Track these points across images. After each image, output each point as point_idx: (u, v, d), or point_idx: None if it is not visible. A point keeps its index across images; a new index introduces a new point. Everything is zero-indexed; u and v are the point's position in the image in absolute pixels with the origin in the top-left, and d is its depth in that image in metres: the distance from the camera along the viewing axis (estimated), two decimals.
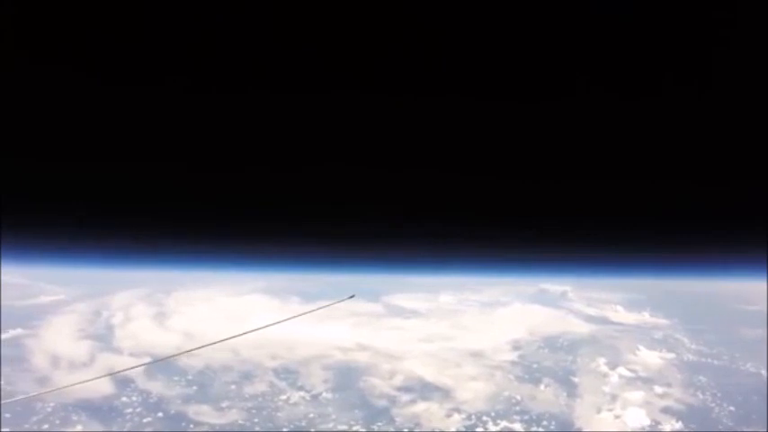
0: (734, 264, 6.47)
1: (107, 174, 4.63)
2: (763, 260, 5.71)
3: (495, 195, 4.87)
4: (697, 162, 4.32)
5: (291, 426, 38.51)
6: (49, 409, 36.36)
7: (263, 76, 3.69)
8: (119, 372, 37.60)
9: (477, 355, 46.07)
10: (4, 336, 40.25)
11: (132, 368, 36.84)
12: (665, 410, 40.12)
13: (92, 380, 34.73)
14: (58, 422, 35.85)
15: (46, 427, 35.22)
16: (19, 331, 41.36)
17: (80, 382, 36.10)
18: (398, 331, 49.36)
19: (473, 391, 42.23)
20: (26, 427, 34.94)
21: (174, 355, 38.55)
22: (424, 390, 42.25)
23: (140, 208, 5.32)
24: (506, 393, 42.11)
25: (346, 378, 43.16)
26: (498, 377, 43.83)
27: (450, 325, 50.37)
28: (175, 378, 41.09)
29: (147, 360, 41.48)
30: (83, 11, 3.20)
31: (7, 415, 34.65)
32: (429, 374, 43.74)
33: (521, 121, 4.03)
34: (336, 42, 3.42)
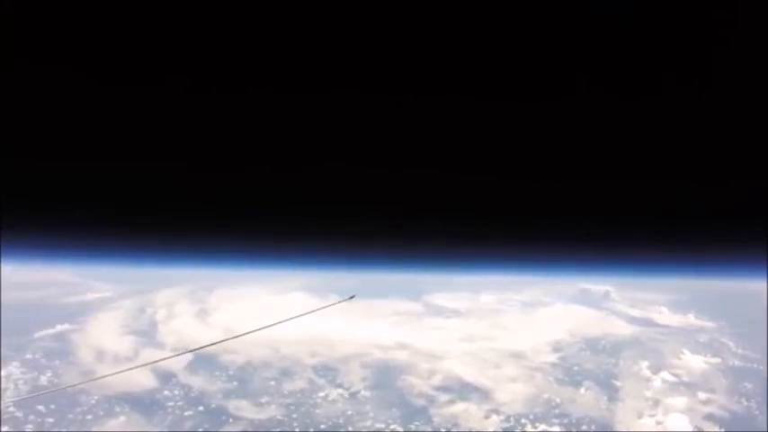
0: (734, 264, 6.45)
1: (107, 174, 4.67)
2: (763, 260, 5.70)
3: (495, 195, 4.87)
4: (697, 162, 4.32)
5: (329, 423, 38.69)
6: (93, 401, 37.27)
7: (263, 76, 3.71)
8: (120, 372, 38.09)
9: (517, 355, 45.47)
10: (51, 331, 41.31)
11: (133, 368, 37.35)
12: (708, 417, 39.11)
13: (95, 379, 35.28)
14: (101, 413, 36.71)
15: (89, 417, 36.15)
16: (66, 326, 42.28)
17: (81, 382, 36.77)
18: (438, 330, 48.94)
19: (512, 392, 41.76)
20: (70, 417, 35.93)
21: (172, 356, 39.05)
22: (463, 390, 41.93)
23: (140, 208, 5.37)
24: (546, 396, 41.50)
25: (385, 376, 43.08)
26: (538, 379, 43.21)
27: (491, 325, 49.72)
28: (217, 373, 41.57)
29: (189, 355, 42.10)
30: (83, 11, 3.24)
31: (52, 406, 35.72)
32: (468, 375, 43.38)
33: (521, 121, 4.05)
34: (336, 42, 3.45)
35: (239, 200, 5.14)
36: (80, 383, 36.04)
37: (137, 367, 37.22)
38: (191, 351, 39.86)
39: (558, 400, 40.97)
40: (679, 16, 3.35)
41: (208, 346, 39.82)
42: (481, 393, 41.48)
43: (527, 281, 53.28)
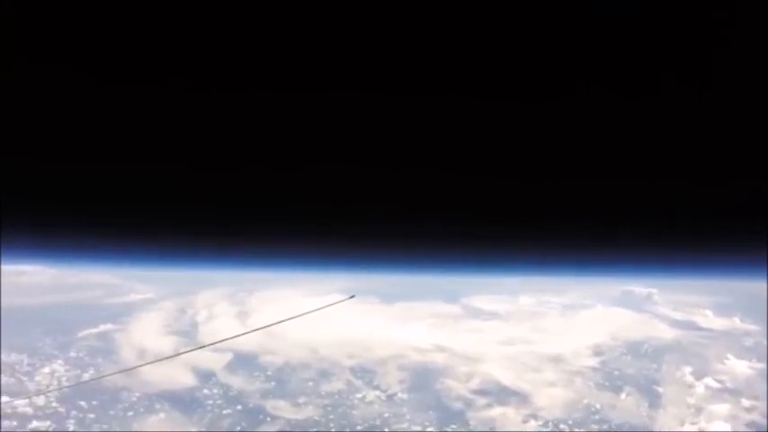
0: (734, 264, 6.37)
1: (107, 174, 4.64)
2: (763, 260, 5.63)
3: (495, 195, 4.86)
4: (697, 162, 4.27)
5: (366, 424, 38.88)
6: (134, 398, 38.10)
7: (263, 76, 3.69)
8: (117, 372, 38.59)
9: (556, 359, 44.98)
10: (95, 330, 42.33)
11: (128, 369, 37.77)
12: (751, 425, 38.23)
13: (93, 379, 35.72)
14: (141, 410, 37.55)
15: (130, 414, 36.91)
16: (109, 326, 43.40)
17: (79, 383, 37.34)
18: (477, 333, 48.72)
19: (551, 397, 41.35)
20: (111, 413, 36.74)
21: (166, 358, 39.40)
22: (501, 394, 41.68)
23: (140, 208, 5.34)
24: (585, 401, 41.03)
25: (422, 379, 43.06)
26: (578, 383, 42.72)
27: (530, 328, 49.27)
28: (256, 373, 42.12)
29: (229, 355, 42.70)
30: (83, 11, 3.20)
31: (94, 402, 36.60)
32: (507, 378, 43.10)
33: (521, 121, 4.03)
34: (336, 42, 3.42)
35: (239, 200, 5.13)
36: (78, 384, 36.62)
37: (129, 369, 37.57)
38: (183, 353, 40.10)
39: (597, 406, 40.46)
40: (679, 16, 3.32)
41: (178, 354, 40.04)
42: (519, 397, 41.20)
43: (567, 283, 52.51)
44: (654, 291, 52.81)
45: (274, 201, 5.15)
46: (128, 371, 37.05)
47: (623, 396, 41.38)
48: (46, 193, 4.95)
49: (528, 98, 3.86)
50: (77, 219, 5.58)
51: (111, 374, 36.28)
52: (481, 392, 41.88)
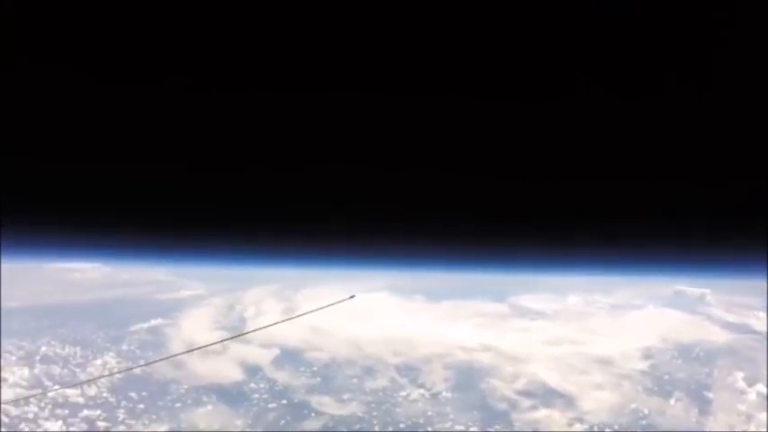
0: (734, 264, 6.36)
1: (107, 173, 4.69)
2: (763, 260, 5.60)
3: (495, 195, 4.86)
4: (697, 162, 4.29)
5: (409, 422, 38.78)
6: (183, 391, 38.88)
7: (263, 76, 3.73)
8: (113, 374, 39.14)
9: (604, 361, 43.94)
10: (145, 325, 43.33)
11: (122, 371, 38.28)
12: None
13: (88, 381, 36.28)
14: (189, 402, 38.24)
15: (178, 405, 37.73)
16: (159, 321, 44.22)
17: (75, 384, 37.97)
18: (523, 333, 47.88)
19: (598, 400, 40.44)
20: (160, 404, 37.59)
21: (158, 360, 39.87)
22: (547, 396, 40.98)
23: (140, 208, 5.42)
24: (633, 405, 39.93)
25: (467, 378, 42.70)
26: (626, 387, 41.62)
27: (578, 328, 48.15)
28: (301, 369, 42.39)
29: (276, 351, 43.19)
30: (83, 11, 3.24)
31: (144, 393, 37.51)
32: (553, 380, 42.36)
33: (520, 122, 4.04)
34: (336, 42, 3.46)
35: (239, 199, 5.19)
36: (74, 385, 37.41)
37: (113, 374, 38.19)
38: (174, 356, 40.58)
39: (645, 411, 39.42)
40: (679, 16, 3.32)
41: (172, 356, 40.51)
42: (565, 400, 40.46)
43: (616, 282, 51.40)
44: (707, 291, 50.96)
45: (274, 200, 5.20)
46: (126, 371, 37.69)
47: (673, 401, 40.13)
48: (46, 193, 5.01)
49: (528, 98, 3.88)
50: (77, 218, 5.67)
51: (113, 374, 36.90)
52: (526, 393, 41.26)
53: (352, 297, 8.40)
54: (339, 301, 8.11)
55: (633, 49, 3.51)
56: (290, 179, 4.79)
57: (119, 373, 37.58)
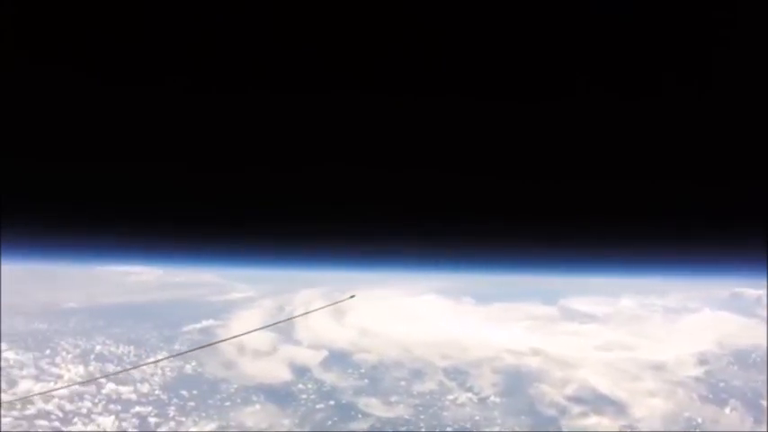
0: (734, 264, 6.31)
1: (107, 173, 4.70)
2: (763, 260, 5.58)
3: (495, 195, 4.86)
4: (697, 162, 4.28)
5: (456, 426, 38.61)
6: (232, 390, 39.56)
7: (263, 76, 3.73)
8: (108, 375, 39.53)
9: (658, 367, 42.79)
10: (198, 325, 44.23)
11: (116, 373, 38.61)
12: None
13: (86, 382, 36.74)
14: (239, 401, 38.87)
15: (228, 404, 38.40)
16: (211, 322, 45.08)
17: (68, 386, 38.52)
18: (574, 337, 47.04)
19: (650, 408, 39.44)
20: (210, 402, 38.32)
21: (148, 363, 40.15)
22: (598, 402, 40.19)
23: (140, 208, 5.43)
24: (686, 414, 38.83)
25: (516, 383, 42.23)
26: (680, 395, 40.48)
27: (631, 332, 46.98)
28: (349, 371, 42.60)
29: (324, 353, 43.55)
30: (83, 11, 3.24)
31: (194, 391, 38.30)
32: (604, 386, 41.52)
33: (520, 121, 4.04)
34: (336, 42, 3.46)
35: (239, 199, 5.20)
36: (71, 385, 38.08)
37: (107, 375, 38.68)
38: (165, 359, 40.95)
39: (699, 420, 38.28)
40: (679, 16, 3.30)
41: (162, 360, 40.80)
42: (617, 407, 39.61)
43: (671, 284, 49.98)
44: (764, 293, 49.00)
45: (274, 200, 5.23)
46: (119, 373, 38.24)
47: (727, 411, 38.86)
48: (46, 193, 5.04)
49: (528, 98, 3.87)
50: (77, 218, 5.69)
51: (104, 377, 37.45)
52: (576, 399, 40.57)
53: (352, 297, 8.44)
54: (339, 301, 8.10)
55: (633, 49, 3.50)
56: (291, 179, 4.82)
57: (114, 374, 38.32)
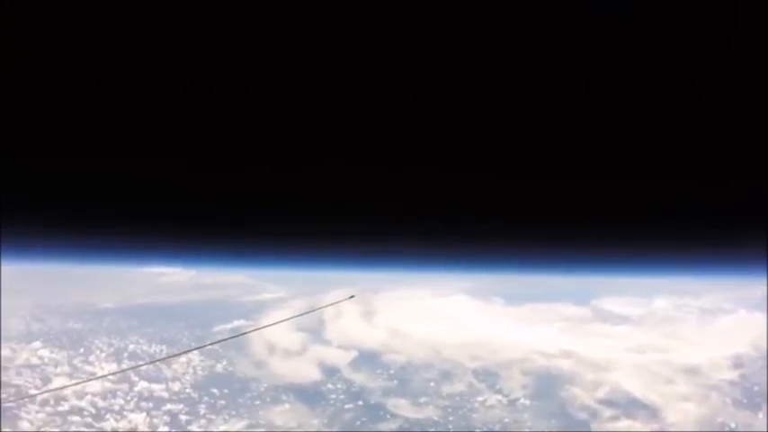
0: (734, 264, 6.31)
1: (107, 174, 4.68)
2: (763, 260, 5.57)
3: (495, 195, 4.86)
4: (697, 162, 4.25)
5: (484, 428, 38.51)
6: (262, 389, 39.96)
7: (263, 76, 3.71)
8: (104, 376, 39.91)
9: (691, 371, 41.99)
10: (229, 325, 44.72)
11: (112, 374, 38.84)
12: None
13: (84, 382, 37.05)
14: (268, 400, 39.26)
15: (257, 403, 38.78)
16: (242, 322, 45.50)
17: (70, 385, 38.84)
18: (606, 338, 46.30)
19: (683, 412, 38.79)
20: (240, 401, 38.73)
21: (149, 363, 40.29)
22: (630, 406, 39.65)
23: (140, 208, 5.40)
24: (720, 419, 38.16)
25: (547, 385, 41.89)
26: (713, 399, 39.72)
27: (664, 334, 46.06)
28: (378, 371, 42.69)
29: (354, 353, 43.70)
30: (83, 11, 3.23)
31: (225, 390, 38.78)
32: (636, 389, 40.93)
33: (520, 121, 4.02)
34: (336, 42, 3.45)
35: (239, 200, 5.19)
36: (68, 386, 38.52)
37: (116, 373, 39.02)
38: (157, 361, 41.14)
39: (732, 425, 37.61)
40: (679, 16, 3.29)
41: (160, 360, 40.97)
42: (649, 411, 39.11)
43: (705, 284, 48.95)
44: None
45: (274, 201, 5.22)
46: (109, 375, 38.60)
47: (761, 416, 38.07)
48: (46, 194, 5.02)
49: (528, 98, 3.86)
50: (77, 219, 5.67)
51: (94, 379, 37.79)
52: (608, 403, 40.10)
53: (351, 297, 8.46)
54: (339, 301, 8.10)
55: (633, 49, 3.49)
56: (291, 179, 4.81)
57: (109, 375, 38.81)
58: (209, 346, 43.56)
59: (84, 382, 37.40)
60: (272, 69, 3.68)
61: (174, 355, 42.01)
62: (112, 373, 38.64)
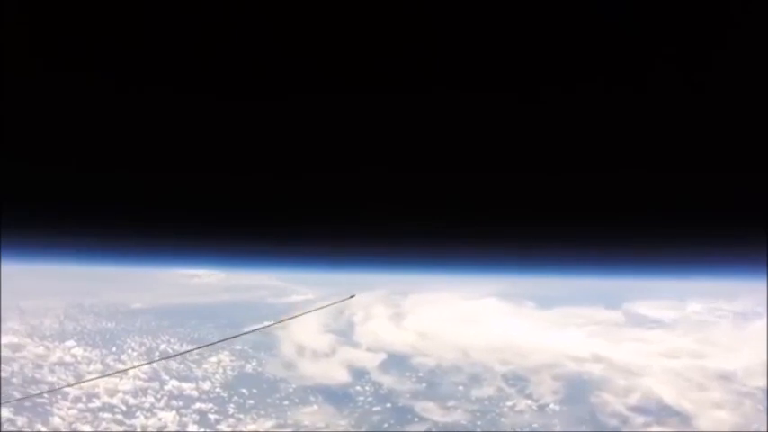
0: (734, 264, 6.28)
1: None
2: (762, 260, 5.56)
3: (495, 195, 4.95)
4: (697, 162, 4.26)
5: None
6: (291, 390, 40.20)
7: (259, 80, 3.75)
8: (102, 376, 39.96)
9: (725, 377, 40.93)
10: (258, 326, 45.11)
11: (109, 375, 38.90)
12: None
13: (81, 382, 37.19)
14: (297, 400, 39.51)
15: (286, 403, 39.01)
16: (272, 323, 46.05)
17: (71, 385, 39.04)
18: (639, 343, 45.30)
19: (716, 420, 37.80)
20: (268, 401, 38.99)
21: (146, 363, 40.35)
22: (661, 412, 38.82)
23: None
24: (754, 427, 37.34)
25: (577, 390, 41.29)
26: (746, 407, 38.83)
27: (698, 339, 44.78)
28: (407, 374, 42.59)
29: (383, 355, 43.70)
30: (83, 15, 3.27)
31: (254, 390, 39.10)
32: (668, 395, 40.21)
33: (521, 121, 4.07)
34: (336, 42, 3.46)
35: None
36: (68, 386, 38.80)
37: (110, 375, 39.18)
38: (152, 361, 41.21)
39: None
40: (679, 13, 3.28)
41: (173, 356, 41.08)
42: (681, 418, 38.24)
43: (739, 287, 47.80)
44: None
45: (275, 202, 5.30)
46: (109, 375, 38.79)
47: None
48: (46, 195, 5.11)
49: (529, 94, 3.88)
50: (78, 220, 5.76)
51: (76, 384, 37.99)
52: (639, 410, 39.25)
53: (352, 297, 8.50)
54: (339, 301, 8.19)
55: (633, 46, 3.47)
56: (292, 184, 4.92)
57: (104, 376, 39.17)
58: (208, 346, 43.84)
59: (84, 381, 37.93)
60: (271, 73, 3.72)
61: (169, 357, 42.43)
62: (110, 374, 39.16)
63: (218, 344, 43.24)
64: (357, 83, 3.78)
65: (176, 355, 41.95)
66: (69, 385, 38.18)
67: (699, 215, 4.94)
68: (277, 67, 3.68)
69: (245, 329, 45.31)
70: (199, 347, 45.83)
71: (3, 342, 38.18)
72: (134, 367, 40.98)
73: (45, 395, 36.24)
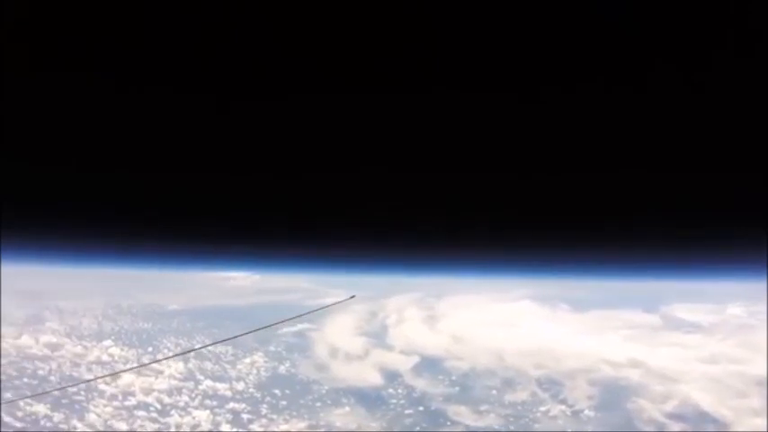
0: (733, 264, 6.22)
1: (107, 174, 4.86)
2: (762, 260, 5.50)
3: (495, 195, 4.97)
4: (697, 162, 4.25)
5: None
6: (324, 391, 40.41)
7: (259, 80, 3.80)
8: (104, 376, 39.99)
9: (764, 383, 40.26)
10: (293, 329, 45.51)
11: (107, 376, 38.91)
12: None
13: (82, 382, 37.25)
14: (329, 402, 39.71)
15: (318, 405, 39.18)
16: (306, 326, 46.17)
17: (72, 385, 39.15)
18: (676, 348, 44.40)
19: (754, 428, 37.08)
20: (301, 402, 39.23)
21: (145, 364, 40.27)
22: (699, 420, 37.90)
23: (140, 208, 5.58)
24: None
25: (613, 396, 40.59)
26: None
27: (738, 343, 43.73)
28: (440, 377, 42.42)
29: (416, 358, 43.60)
30: (83, 15, 3.32)
31: (287, 391, 39.41)
32: (707, 402, 39.35)
33: (520, 120, 4.09)
34: (336, 42, 3.50)
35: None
36: (68, 386, 39.04)
37: (112, 374, 39.30)
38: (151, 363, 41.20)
39: None
40: (679, 12, 3.27)
41: (157, 361, 41.03)
42: (719, 426, 37.28)
43: None
44: None
45: (275, 203, 5.36)
46: (87, 382, 38.90)
47: None
48: (46, 196, 5.22)
49: (529, 93, 3.90)
50: (78, 221, 5.91)
51: (78, 384, 38.14)
52: (677, 417, 38.34)
53: (352, 297, 8.51)
54: (339, 301, 8.20)
55: (633, 45, 3.47)
56: (292, 185, 4.97)
57: (97, 379, 39.46)
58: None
59: (83, 382, 38.45)
60: (270, 74, 3.78)
61: (160, 360, 42.81)
62: (110, 374, 39.68)
63: (250, 344, 43.58)
64: (357, 83, 3.81)
65: (186, 353, 42.39)
66: (78, 384, 38.76)
67: (699, 215, 4.90)
68: (277, 67, 3.72)
69: (289, 331, 45.45)
70: (208, 345, 46.22)
71: (42, 341, 39.08)
72: (146, 364, 41.49)
73: (81, 392, 36.89)
